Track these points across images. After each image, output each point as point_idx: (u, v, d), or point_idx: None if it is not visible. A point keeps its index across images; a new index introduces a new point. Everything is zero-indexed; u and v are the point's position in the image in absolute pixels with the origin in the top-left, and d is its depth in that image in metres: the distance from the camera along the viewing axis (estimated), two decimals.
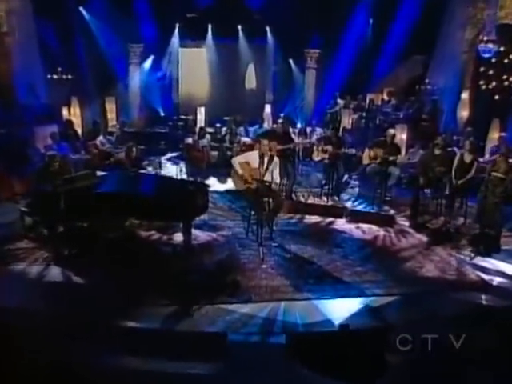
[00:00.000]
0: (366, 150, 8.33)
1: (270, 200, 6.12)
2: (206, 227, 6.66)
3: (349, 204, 8.10)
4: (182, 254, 5.68)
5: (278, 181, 6.27)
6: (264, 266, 5.58)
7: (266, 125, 12.29)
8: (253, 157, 6.33)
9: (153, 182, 6.66)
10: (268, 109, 13.50)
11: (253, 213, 6.32)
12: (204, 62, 14.37)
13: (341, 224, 7.14)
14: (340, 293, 5.05)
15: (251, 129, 11.81)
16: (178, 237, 6.12)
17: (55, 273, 5.29)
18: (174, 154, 9.07)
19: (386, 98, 12.94)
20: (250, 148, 9.14)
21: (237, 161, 6.39)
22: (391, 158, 7.80)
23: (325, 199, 8.21)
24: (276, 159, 6.35)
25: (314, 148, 8.68)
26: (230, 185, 8.71)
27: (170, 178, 5.99)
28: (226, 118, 11.85)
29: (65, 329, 3.93)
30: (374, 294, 5.08)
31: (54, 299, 4.67)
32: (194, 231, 5.76)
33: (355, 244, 6.41)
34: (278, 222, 6.63)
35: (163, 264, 5.50)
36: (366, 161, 8.26)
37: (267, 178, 6.15)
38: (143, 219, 6.39)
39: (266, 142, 6.21)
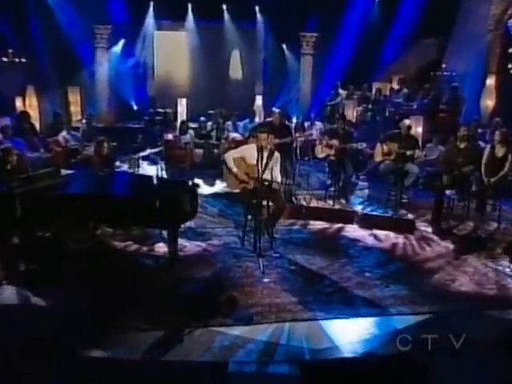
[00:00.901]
0: (378, 145, 8.26)
1: (270, 202, 6.04)
2: (194, 236, 6.54)
3: (359, 208, 8.02)
4: (166, 268, 5.54)
5: (279, 179, 6.14)
6: (265, 281, 5.39)
7: (258, 119, 12.32)
8: (249, 151, 6.17)
9: (130, 181, 6.47)
10: (259, 101, 13.54)
11: (249, 218, 6.18)
12: (184, 47, 14.35)
13: (352, 231, 7.06)
14: (357, 311, 4.87)
15: (241, 123, 11.83)
16: (161, 248, 6.04)
17: (9, 294, 4.98)
18: (155, 150, 8.87)
19: (396, 86, 12.99)
20: (240, 145, 9.25)
21: (230, 156, 6.27)
22: (408, 153, 7.67)
23: (330, 202, 8.14)
24: (277, 154, 6.23)
25: (317, 143, 8.61)
26: (218, 186, 8.82)
27: (151, 177, 5.82)
28: (210, 112, 11.83)
29: (21, 362, 3.69)
30: (398, 312, 4.88)
31: (7, 326, 4.36)
32: (179, 241, 5.69)
33: (371, 253, 6.28)
34: (277, 228, 6.54)
35: (144, 281, 5.27)
36: (378, 157, 8.20)
37: (266, 176, 6.01)
38: (118, 227, 6.27)
39: (264, 134, 6.03)
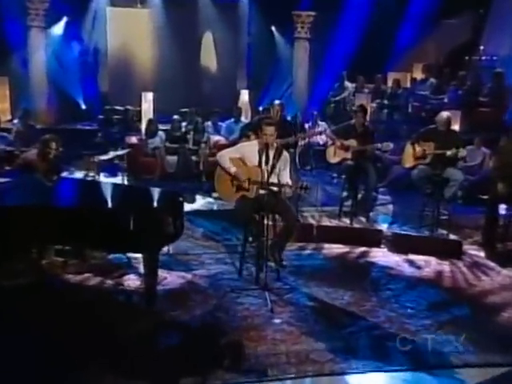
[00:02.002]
0: (408, 147, 8.16)
1: (278, 217, 6.02)
2: (174, 264, 6.43)
3: (384, 227, 8.09)
4: (141, 308, 5.36)
5: (290, 184, 5.98)
6: (277, 321, 5.22)
7: (244, 118, 12.43)
8: (250, 150, 6.06)
9: (89, 191, 6.18)
10: (245, 96, 13.73)
11: (250, 239, 6.11)
12: (146, 28, 14.35)
13: (380, 255, 7.07)
14: (403, 362, 4.64)
15: (223, 124, 11.88)
16: (132, 281, 5.92)
17: None
18: (121, 153, 8.76)
19: (419, 76, 13.10)
20: (223, 149, 9.52)
21: (226, 156, 6.16)
22: (449, 154, 7.53)
23: (346, 221, 8.22)
24: (286, 154, 6.16)
25: (329, 144, 8.52)
26: (200, 203, 9.00)
27: (120, 186, 5.61)
28: (184, 110, 11.90)
29: None
30: (460, 363, 4.66)
31: None
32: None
33: (411, 285, 6.21)
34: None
35: (110, 327, 4.98)
36: (408, 162, 8.13)
37: (273, 181, 5.92)
38: (72, 254, 6.12)
39: (271, 127, 5.93)
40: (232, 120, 11.87)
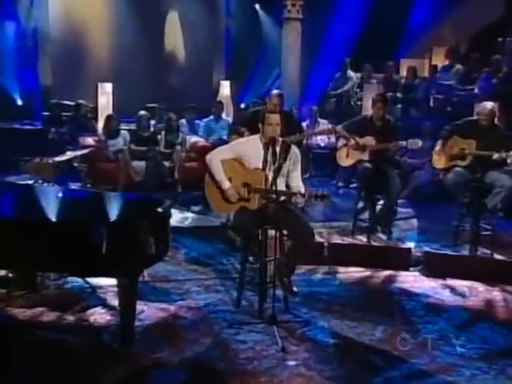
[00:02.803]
0: (439, 145, 8.19)
1: (286, 232, 5.91)
2: (153, 293, 6.37)
3: (410, 245, 8.16)
4: (114, 350, 5.25)
5: (302, 191, 5.85)
6: (291, 364, 5.11)
7: (226, 115, 12.65)
8: (250, 147, 5.99)
9: (44, 197, 5.99)
10: (227, 89, 14.00)
11: (251, 259, 6.16)
12: (99, 4, 14.54)
13: (411, 280, 7.12)
14: None
15: (201, 122, 12.09)
16: (101, 316, 5.81)
17: None
18: (81, 152, 8.96)
19: (442, 62, 13.16)
20: (205, 152, 9.86)
21: (217, 157, 6.07)
22: (496, 156, 7.51)
23: (362, 238, 8.35)
24: (295, 151, 6.11)
25: (339, 144, 8.60)
26: (176, 217, 8.86)
27: (85, 192, 6.11)
28: (152, 105, 12.21)
29: None
30: None
31: None
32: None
33: (455, 316, 6.17)
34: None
35: (74, 377, 4.85)
36: (439, 163, 8.16)
37: (280, 187, 5.82)
38: (17, 282, 6.10)
39: (275, 115, 5.94)
40: (211, 117, 11.98)
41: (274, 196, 5.69)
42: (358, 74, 13.56)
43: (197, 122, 12.02)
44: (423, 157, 10.18)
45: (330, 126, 10.91)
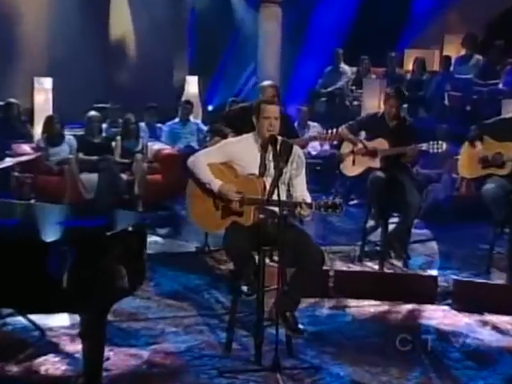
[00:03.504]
0: (465, 148, 8.16)
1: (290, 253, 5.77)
2: (120, 336, 6.22)
3: (432, 273, 8.22)
4: None
5: (308, 200, 5.77)
6: None
7: (193, 118, 12.74)
8: (244, 148, 5.92)
9: None
10: (194, 86, 14.10)
11: (246, 289, 5.90)
12: None
13: (441, 316, 7.02)
14: None
15: (164, 127, 12.26)
16: (54, 365, 5.65)
17: None
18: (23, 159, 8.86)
19: (457, 53, 13.23)
20: (172, 162, 10.16)
21: (203, 160, 5.97)
22: None
23: (372, 265, 8.39)
24: (299, 151, 6.09)
25: (344, 149, 8.57)
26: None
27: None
28: (102, 106, 12.27)
29: None
30: None
31: None
32: None
33: (502, 361, 6.05)
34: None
35: None
36: (469, 170, 8.18)
37: (281, 196, 5.66)
38: None
39: (273, 106, 5.88)
40: (176, 120, 12.13)
41: (273, 208, 5.58)
42: (354, 69, 13.56)
43: (159, 125, 12.06)
44: (439, 166, 10.12)
45: (324, 131, 10.72)
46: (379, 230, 8.52)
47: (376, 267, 8.25)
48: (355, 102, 13.21)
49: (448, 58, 13.24)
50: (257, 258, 5.78)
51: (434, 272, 8.22)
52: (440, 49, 13.74)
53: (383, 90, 12.39)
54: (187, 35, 15.33)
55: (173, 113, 12.38)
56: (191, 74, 14.68)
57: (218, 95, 14.75)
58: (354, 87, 13.52)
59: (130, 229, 5.34)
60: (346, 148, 8.47)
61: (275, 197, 5.58)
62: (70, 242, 4.95)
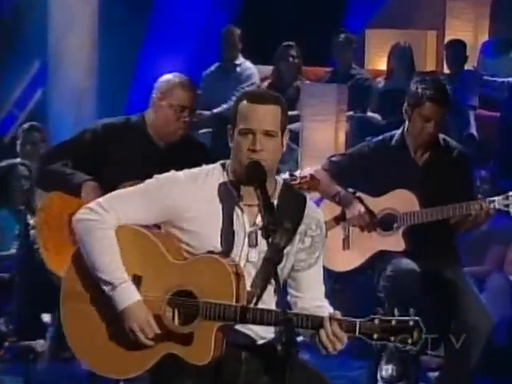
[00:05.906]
0: None
1: None
2: None
3: None
4: None
5: (333, 311, 3.87)
6: None
7: None
8: (198, 192, 4.01)
9: None
10: None
11: None
12: None
13: None
14: None
15: None
16: None
17: None
18: None
19: (472, 37, 11.04)
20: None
21: (112, 217, 4.00)
22: None
23: None
24: (317, 213, 4.18)
25: (326, 215, 6.95)
26: None
27: None
28: None
29: None
30: None
31: None
32: None
33: None
34: None
35: None
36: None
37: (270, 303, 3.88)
38: None
39: (267, 107, 3.88)
40: None
41: (258, 329, 3.61)
42: (268, 67, 9.86)
43: None
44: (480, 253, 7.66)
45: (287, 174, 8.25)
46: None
47: None
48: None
49: (459, 44, 9.49)
50: None
51: None
52: (442, 29, 10.12)
53: (342, 108, 9.67)
54: None
55: None
56: None
57: None
58: None
59: None
60: (328, 214, 5.69)
61: (266, 303, 3.63)
62: None
